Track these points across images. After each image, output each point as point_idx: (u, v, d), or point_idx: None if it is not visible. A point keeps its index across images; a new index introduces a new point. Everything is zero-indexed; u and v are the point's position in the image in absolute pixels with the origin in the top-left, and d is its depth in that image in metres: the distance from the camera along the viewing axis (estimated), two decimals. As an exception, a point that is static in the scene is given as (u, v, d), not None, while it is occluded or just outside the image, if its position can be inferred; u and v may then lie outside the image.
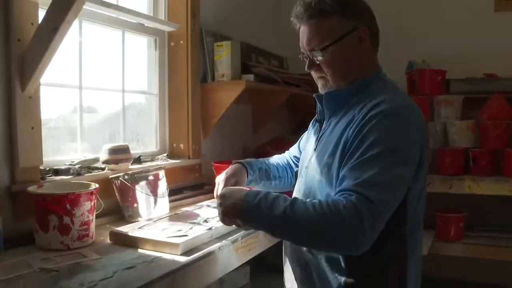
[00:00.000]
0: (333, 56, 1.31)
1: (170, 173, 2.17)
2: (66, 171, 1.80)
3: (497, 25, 3.26)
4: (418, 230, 1.31)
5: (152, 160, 2.32)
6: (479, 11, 3.32)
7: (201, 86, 2.54)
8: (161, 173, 1.93)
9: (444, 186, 3.00)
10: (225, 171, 1.55)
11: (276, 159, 1.71)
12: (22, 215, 1.63)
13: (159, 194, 1.90)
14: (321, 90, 1.40)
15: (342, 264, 1.25)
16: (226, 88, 2.50)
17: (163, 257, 1.46)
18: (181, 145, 2.49)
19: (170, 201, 2.03)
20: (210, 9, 2.61)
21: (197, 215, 1.83)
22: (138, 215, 1.85)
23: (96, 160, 2.00)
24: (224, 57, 2.49)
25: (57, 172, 1.79)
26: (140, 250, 1.52)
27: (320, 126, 1.42)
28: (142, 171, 1.88)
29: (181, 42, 2.45)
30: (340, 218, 1.09)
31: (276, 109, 3.05)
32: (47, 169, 1.80)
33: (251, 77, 2.52)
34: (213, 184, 1.57)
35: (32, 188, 1.59)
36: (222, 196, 1.30)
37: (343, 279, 1.25)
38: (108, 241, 1.64)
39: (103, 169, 1.97)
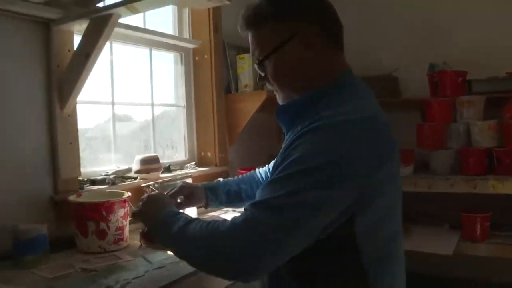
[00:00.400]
0: (276, 67, 1.16)
1: (199, 180, 2.32)
2: (101, 181, 1.98)
3: (519, 23, 3.27)
4: (389, 261, 1.13)
5: (181, 169, 2.48)
6: (500, 9, 3.33)
7: (225, 97, 2.69)
8: (189, 181, 2.08)
9: (468, 186, 3.02)
10: (184, 183, 1.56)
11: (253, 174, 1.63)
12: (64, 221, 1.81)
13: (187, 200, 2.04)
14: (279, 102, 1.26)
15: None
16: (249, 99, 2.64)
17: (190, 257, 1.60)
18: (209, 154, 2.64)
19: (198, 207, 2.17)
20: (232, 23, 2.74)
21: (224, 220, 1.97)
22: (168, 220, 2.00)
23: (129, 170, 2.17)
24: (246, 69, 2.63)
25: (93, 182, 1.97)
26: (169, 252, 1.67)
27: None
28: (170, 179, 2.04)
29: (205, 56, 2.61)
30: (216, 238, 1.01)
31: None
32: (85, 179, 1.98)
33: (272, 87, 2.64)
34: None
35: (72, 197, 1.77)
36: (149, 196, 1.31)
37: None
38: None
39: (135, 178, 2.14)
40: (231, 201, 1.57)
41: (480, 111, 3.18)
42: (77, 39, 1.83)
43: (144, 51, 2.41)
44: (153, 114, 2.46)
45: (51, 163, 1.82)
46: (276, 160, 1.10)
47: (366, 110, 1.09)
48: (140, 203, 1.32)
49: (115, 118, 2.23)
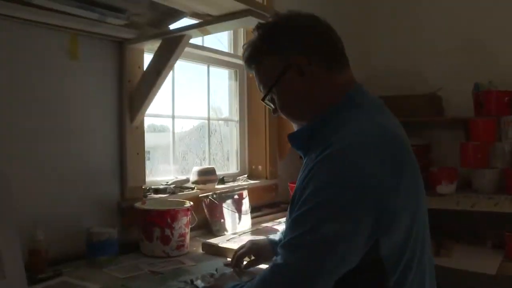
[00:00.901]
0: (280, 98, 1.20)
1: (250, 192, 2.41)
2: (163, 190, 2.10)
3: None
4: (415, 276, 1.08)
5: (233, 181, 2.58)
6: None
7: (276, 113, 2.78)
8: (245, 193, 2.19)
9: (512, 206, 3.03)
10: (252, 242, 1.63)
11: None
12: (128, 227, 1.93)
13: (243, 211, 2.15)
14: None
15: None
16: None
17: (248, 265, 1.70)
18: (259, 167, 2.74)
19: (251, 218, 2.27)
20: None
21: (276, 230, 2.07)
22: (225, 229, 2.11)
23: (186, 180, 2.29)
24: (297, 85, 2.72)
25: (156, 191, 2.09)
26: (228, 259, 1.77)
27: None
28: (228, 190, 2.15)
29: (259, 73, 2.71)
30: None
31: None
32: (147, 188, 2.11)
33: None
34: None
35: (138, 204, 1.89)
36: (216, 279, 1.45)
37: None
38: (201, 251, 1.90)
39: (192, 188, 2.26)
40: None
41: (526, 131, 3.19)
42: (146, 57, 1.98)
43: (202, 67, 2.54)
44: (209, 128, 2.58)
45: (119, 171, 1.96)
46: (296, 190, 1.10)
47: (376, 127, 1.06)
48: (212, 279, 1.45)
49: (174, 134, 2.36)
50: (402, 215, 1.01)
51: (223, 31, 1.77)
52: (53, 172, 1.75)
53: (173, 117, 2.35)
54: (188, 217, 1.88)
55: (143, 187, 2.06)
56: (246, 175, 2.69)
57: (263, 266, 1.57)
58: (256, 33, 1.22)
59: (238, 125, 2.77)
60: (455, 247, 3.29)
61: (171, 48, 1.77)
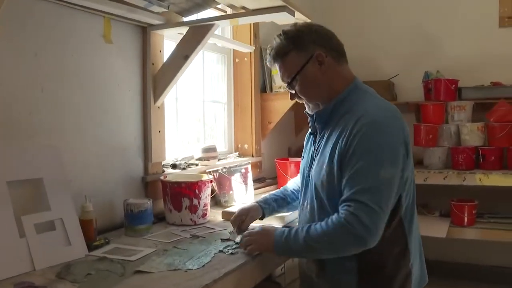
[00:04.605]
0: (302, 84, 1.52)
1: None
2: (179, 166, 2.27)
3: (502, 39, 3.75)
4: (412, 212, 1.50)
5: (225, 158, 2.79)
6: (485, 27, 3.81)
7: (260, 96, 3.01)
8: (249, 167, 2.41)
9: (458, 179, 3.48)
10: (243, 207, 1.85)
11: (292, 183, 1.96)
12: (152, 199, 2.08)
13: (248, 183, 2.37)
14: (308, 111, 1.62)
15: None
16: (282, 98, 2.96)
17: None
18: (245, 146, 2.96)
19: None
20: (267, 32, 3.06)
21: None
22: (233, 200, 2.33)
23: (191, 157, 2.46)
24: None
25: (174, 166, 2.26)
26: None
27: (315, 138, 1.61)
28: (236, 165, 2.36)
29: (245, 59, 2.92)
30: (345, 229, 1.34)
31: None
32: (163, 163, 2.27)
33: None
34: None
35: (162, 178, 2.06)
36: (253, 233, 1.62)
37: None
38: (220, 218, 2.11)
39: (196, 164, 2.44)
40: (280, 206, 1.89)
41: (469, 114, 3.66)
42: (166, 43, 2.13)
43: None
44: (204, 109, 2.75)
45: (143, 148, 2.11)
46: (339, 155, 1.42)
47: (386, 105, 1.49)
48: (251, 232, 1.64)
49: (178, 115, 2.50)
50: (409, 158, 1.45)
51: (251, 22, 1.96)
52: (92, 148, 1.88)
53: (176, 99, 2.50)
54: (210, 188, 2.08)
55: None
56: (237, 153, 2.90)
57: (254, 224, 1.80)
58: (281, 37, 1.55)
59: (226, 106, 2.97)
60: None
61: (199, 35, 1.94)
